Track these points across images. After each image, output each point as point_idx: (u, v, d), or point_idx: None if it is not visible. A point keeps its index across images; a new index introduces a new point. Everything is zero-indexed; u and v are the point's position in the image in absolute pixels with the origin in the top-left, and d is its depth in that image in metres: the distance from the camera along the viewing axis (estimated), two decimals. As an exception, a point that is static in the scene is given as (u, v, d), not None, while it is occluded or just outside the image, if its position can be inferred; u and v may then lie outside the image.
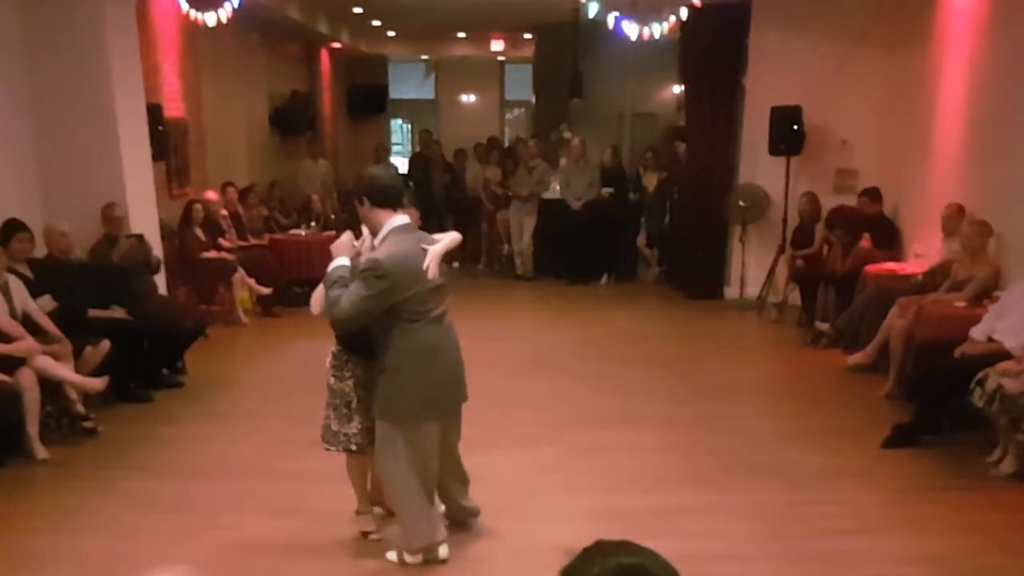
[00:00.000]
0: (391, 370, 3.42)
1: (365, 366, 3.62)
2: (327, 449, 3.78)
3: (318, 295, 3.46)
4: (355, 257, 3.46)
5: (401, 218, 3.45)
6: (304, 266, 8.82)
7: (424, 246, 3.43)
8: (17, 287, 5.11)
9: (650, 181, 10.52)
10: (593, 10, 7.65)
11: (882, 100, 8.31)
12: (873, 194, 7.62)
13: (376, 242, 3.45)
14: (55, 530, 3.99)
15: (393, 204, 3.44)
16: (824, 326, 7.22)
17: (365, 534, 3.90)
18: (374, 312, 3.33)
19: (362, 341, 3.53)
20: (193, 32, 8.53)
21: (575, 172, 10.19)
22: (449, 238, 3.60)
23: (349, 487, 4.31)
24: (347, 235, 3.56)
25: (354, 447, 3.71)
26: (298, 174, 11.20)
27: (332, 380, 3.70)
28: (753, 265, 8.82)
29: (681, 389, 6.20)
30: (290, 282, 8.74)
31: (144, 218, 6.69)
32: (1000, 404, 4.38)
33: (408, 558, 3.65)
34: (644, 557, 1.26)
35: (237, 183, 9.07)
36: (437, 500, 3.79)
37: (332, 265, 3.43)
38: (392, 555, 3.70)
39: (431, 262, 3.40)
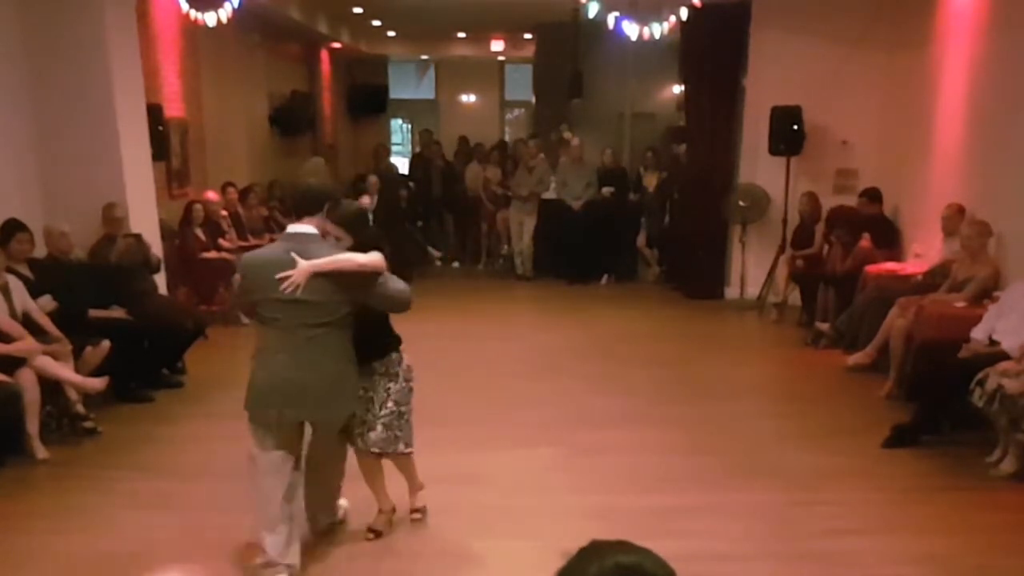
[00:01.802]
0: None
1: (368, 365, 3.67)
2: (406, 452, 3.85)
3: None
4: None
5: (297, 226, 3.44)
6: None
7: (295, 256, 3.29)
8: (17, 287, 5.11)
9: (650, 181, 10.52)
10: (593, 10, 7.64)
11: (882, 100, 8.31)
12: (873, 194, 7.62)
13: None
14: (55, 530, 3.99)
15: (298, 212, 3.50)
16: (824, 326, 7.22)
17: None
18: (239, 304, 3.72)
19: (359, 346, 3.56)
20: (193, 32, 8.53)
21: (572, 172, 10.19)
22: (338, 259, 3.34)
23: (347, 486, 4.33)
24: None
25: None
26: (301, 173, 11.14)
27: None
28: (753, 265, 8.82)
29: (681, 389, 6.20)
30: (290, 282, 8.72)
31: (144, 218, 6.69)
32: (1000, 404, 4.38)
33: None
34: (642, 556, 1.26)
35: (237, 183, 9.06)
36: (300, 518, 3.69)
37: None
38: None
39: (296, 273, 3.26)
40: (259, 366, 3.45)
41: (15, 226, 5.38)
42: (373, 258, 3.39)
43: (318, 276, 3.29)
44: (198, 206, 7.90)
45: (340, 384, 3.47)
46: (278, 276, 3.28)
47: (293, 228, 3.45)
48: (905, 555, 3.76)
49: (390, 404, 3.72)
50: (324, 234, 3.48)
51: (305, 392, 3.39)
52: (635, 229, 10.43)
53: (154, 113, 7.23)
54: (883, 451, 4.89)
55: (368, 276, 3.38)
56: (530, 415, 5.54)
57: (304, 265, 3.28)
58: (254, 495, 3.54)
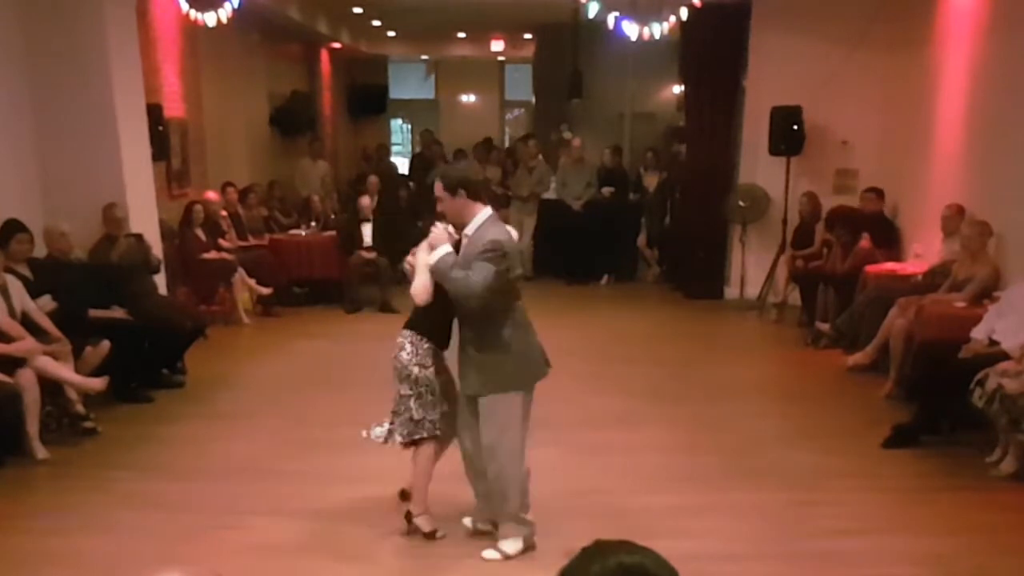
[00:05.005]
0: (502, 345, 3.63)
1: (440, 353, 3.78)
2: (411, 442, 3.78)
3: (424, 285, 3.60)
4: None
5: (488, 209, 3.66)
6: (304, 266, 8.82)
7: (512, 235, 3.72)
8: (16, 287, 5.11)
9: (650, 181, 10.53)
10: (593, 10, 7.63)
11: (882, 100, 8.30)
12: (878, 191, 7.66)
13: (470, 230, 3.60)
14: (55, 530, 3.99)
15: (481, 198, 3.66)
16: (824, 326, 7.22)
17: (431, 533, 3.88)
18: (500, 288, 3.54)
19: (433, 327, 3.72)
20: (193, 32, 8.53)
21: (573, 172, 10.20)
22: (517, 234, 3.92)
23: (348, 487, 4.34)
24: (442, 226, 3.69)
25: (438, 432, 3.79)
26: (295, 174, 11.15)
27: (416, 369, 3.73)
28: (753, 265, 8.82)
29: (681, 389, 6.20)
30: (290, 282, 8.74)
31: (144, 218, 6.68)
32: (1000, 404, 4.38)
33: (511, 547, 3.73)
34: (644, 556, 1.27)
35: (237, 183, 9.06)
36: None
37: (440, 253, 3.55)
38: (491, 553, 3.73)
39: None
40: (522, 338, 3.69)
41: (15, 226, 5.38)
42: None
43: None
44: (198, 206, 7.89)
45: None
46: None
47: (488, 211, 3.64)
48: (905, 555, 3.77)
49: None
50: None
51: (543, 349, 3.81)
52: (635, 229, 10.43)
53: (154, 113, 7.23)
54: (883, 451, 4.89)
55: None
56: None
57: (520, 241, 3.84)
58: (514, 477, 3.75)
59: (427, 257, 3.58)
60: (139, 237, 6.33)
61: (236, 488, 4.44)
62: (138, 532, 3.95)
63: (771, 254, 8.51)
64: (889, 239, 7.57)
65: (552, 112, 13.33)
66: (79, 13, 6.14)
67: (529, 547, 3.75)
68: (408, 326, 3.78)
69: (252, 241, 8.76)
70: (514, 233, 3.80)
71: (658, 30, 7.82)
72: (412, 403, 3.73)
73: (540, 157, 10.43)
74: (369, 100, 16.26)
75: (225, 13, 7.58)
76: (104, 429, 5.19)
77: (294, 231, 9.32)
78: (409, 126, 19.55)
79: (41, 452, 4.75)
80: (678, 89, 12.02)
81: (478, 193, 3.63)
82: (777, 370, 6.96)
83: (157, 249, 6.70)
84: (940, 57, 7.13)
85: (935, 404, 4.97)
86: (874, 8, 8.10)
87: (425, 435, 3.77)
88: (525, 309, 3.75)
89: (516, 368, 3.67)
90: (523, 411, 3.75)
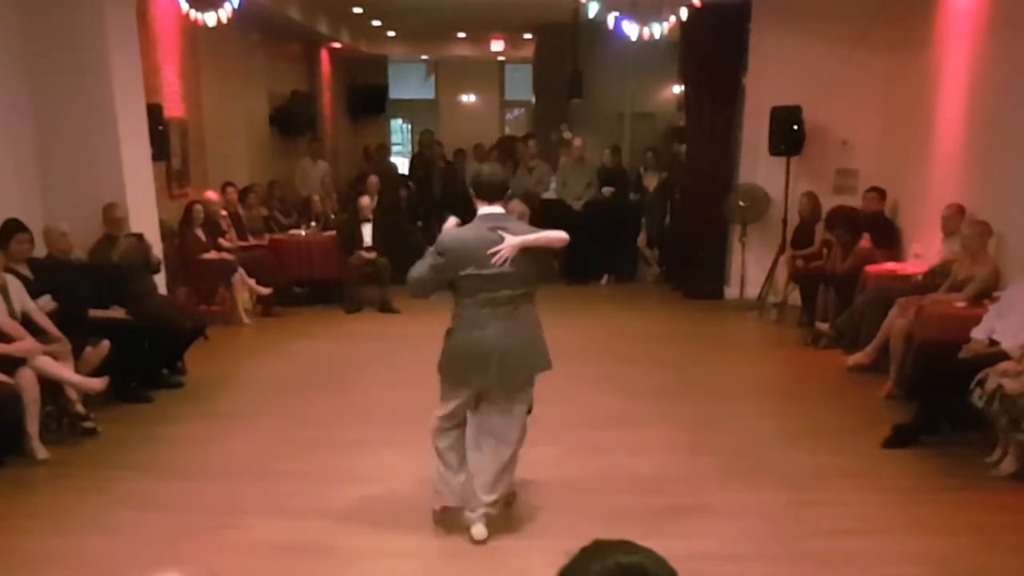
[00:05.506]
0: (448, 334, 3.81)
1: None
2: None
3: None
4: None
5: (490, 208, 3.74)
6: (304, 266, 8.83)
7: (502, 234, 3.63)
8: (16, 287, 5.10)
9: (651, 181, 10.53)
10: (593, 10, 7.63)
11: (882, 100, 8.31)
12: (880, 191, 7.67)
13: None
14: (55, 530, 3.99)
15: (488, 197, 3.76)
16: (824, 326, 7.22)
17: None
18: (432, 283, 3.74)
19: None
20: (193, 32, 8.53)
21: (573, 173, 10.20)
22: (544, 235, 3.73)
23: (348, 487, 4.34)
24: (452, 220, 3.87)
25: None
26: (295, 174, 11.19)
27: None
28: (753, 265, 8.82)
29: (681, 389, 6.20)
30: (290, 282, 8.74)
31: (144, 218, 6.68)
32: (1000, 404, 4.38)
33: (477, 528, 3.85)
34: (643, 556, 1.27)
35: (237, 183, 9.07)
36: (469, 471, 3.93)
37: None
38: (479, 530, 3.86)
39: (505, 248, 3.59)
40: (461, 335, 3.74)
41: (15, 226, 5.37)
42: (564, 235, 3.79)
43: (523, 249, 3.63)
44: (198, 206, 7.89)
45: (537, 346, 3.87)
46: (490, 252, 3.59)
47: (486, 210, 3.74)
48: (905, 555, 3.76)
49: None
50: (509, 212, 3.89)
51: (516, 356, 3.76)
52: (635, 229, 10.43)
53: (154, 113, 7.23)
54: (883, 451, 4.89)
55: (555, 251, 3.80)
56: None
57: (512, 241, 3.61)
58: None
59: None
60: (139, 237, 6.33)
61: (236, 488, 4.44)
62: (138, 532, 3.95)
63: (771, 254, 8.51)
64: (889, 239, 7.58)
65: (552, 112, 13.33)
66: (79, 13, 6.14)
67: (474, 512, 3.83)
68: None
69: (252, 241, 8.76)
70: (516, 238, 3.63)
71: (658, 30, 7.82)
72: None
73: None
74: (369, 100, 16.25)
75: (225, 13, 7.58)
76: (104, 429, 5.19)
77: (294, 231, 9.32)
78: (409, 126, 19.55)
79: (41, 452, 4.75)
80: (678, 89, 12.02)
81: (480, 192, 3.77)
82: (777, 370, 6.96)
83: (157, 249, 6.70)
84: (940, 57, 7.13)
85: (935, 404, 4.97)
86: (874, 8, 8.10)
87: None
88: (482, 310, 3.69)
89: (444, 358, 3.83)
90: (449, 395, 3.87)
